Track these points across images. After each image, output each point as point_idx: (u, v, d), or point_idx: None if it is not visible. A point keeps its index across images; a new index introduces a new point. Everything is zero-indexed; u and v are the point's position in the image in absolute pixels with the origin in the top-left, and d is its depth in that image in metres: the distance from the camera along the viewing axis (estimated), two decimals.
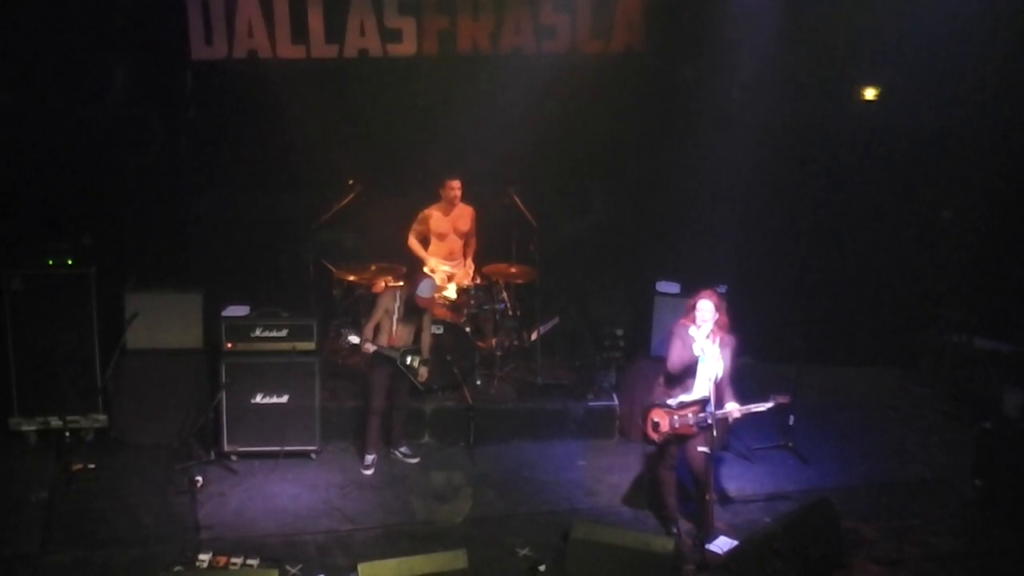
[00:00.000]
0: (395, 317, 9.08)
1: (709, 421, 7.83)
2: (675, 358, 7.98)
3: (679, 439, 8.04)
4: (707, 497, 8.08)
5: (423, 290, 8.97)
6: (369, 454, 9.26)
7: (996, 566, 8.01)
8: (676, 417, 7.95)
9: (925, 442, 10.00)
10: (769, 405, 7.95)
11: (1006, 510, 8.53)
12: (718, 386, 7.93)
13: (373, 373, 9.19)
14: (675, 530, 8.22)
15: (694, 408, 7.93)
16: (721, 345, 7.95)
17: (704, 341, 7.91)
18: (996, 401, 10.06)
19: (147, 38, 10.21)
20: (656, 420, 8.02)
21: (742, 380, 9.74)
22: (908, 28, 10.30)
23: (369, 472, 9.19)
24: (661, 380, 8.17)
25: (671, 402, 8.00)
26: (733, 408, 7.92)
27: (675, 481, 8.32)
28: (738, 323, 8.45)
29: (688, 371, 7.98)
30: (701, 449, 8.03)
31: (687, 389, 7.98)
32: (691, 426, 7.92)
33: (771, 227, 11.08)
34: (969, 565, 7.98)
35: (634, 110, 10.87)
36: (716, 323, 7.94)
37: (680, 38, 10.76)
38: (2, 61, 9.78)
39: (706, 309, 7.91)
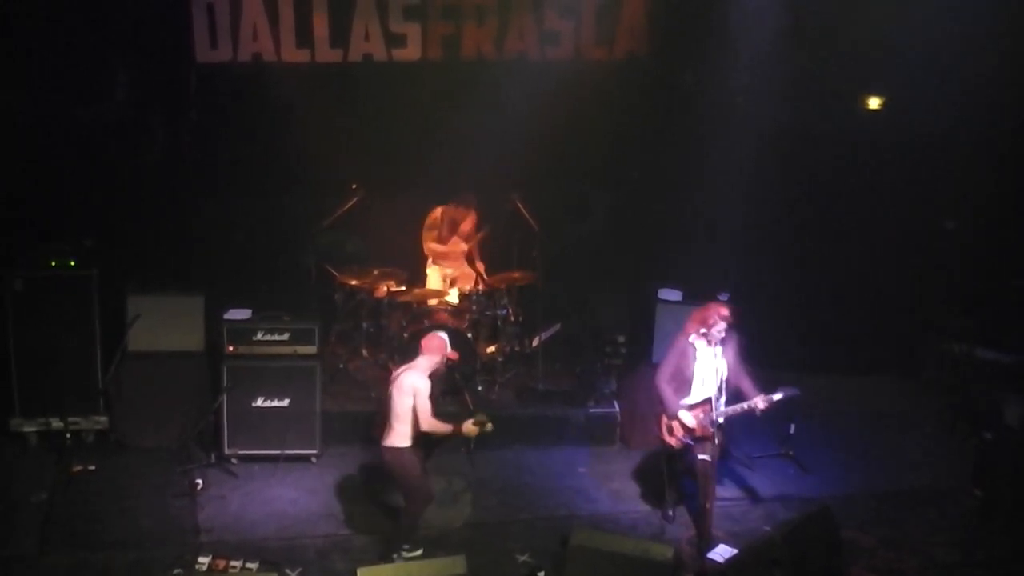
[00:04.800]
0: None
1: (717, 423, 7.88)
2: (665, 370, 8.17)
3: (696, 441, 8.10)
4: (707, 505, 8.12)
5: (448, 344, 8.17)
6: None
7: None
8: (692, 421, 8.03)
9: (925, 451, 9.99)
10: (779, 396, 7.89)
11: (1005, 520, 8.53)
12: (732, 384, 8.00)
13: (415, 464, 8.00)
14: (670, 512, 8.52)
15: (704, 407, 8.02)
16: (724, 345, 8.01)
17: (708, 347, 7.98)
18: (997, 411, 10.06)
19: (152, 41, 10.23)
20: (672, 425, 8.11)
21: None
22: (912, 36, 10.30)
23: None
24: (666, 387, 8.19)
25: (683, 403, 8.11)
26: (759, 399, 7.88)
27: (679, 479, 8.49)
28: (739, 331, 8.50)
29: (686, 379, 8.09)
30: (702, 457, 8.12)
31: (689, 393, 8.09)
32: (705, 426, 7.98)
33: (773, 235, 11.08)
34: (968, 574, 8.00)
35: (637, 116, 10.89)
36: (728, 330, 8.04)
37: (683, 45, 10.78)
38: (7, 63, 9.79)
39: (718, 329, 7.92)
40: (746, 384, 8.04)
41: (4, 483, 8.86)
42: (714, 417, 7.90)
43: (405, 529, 7.95)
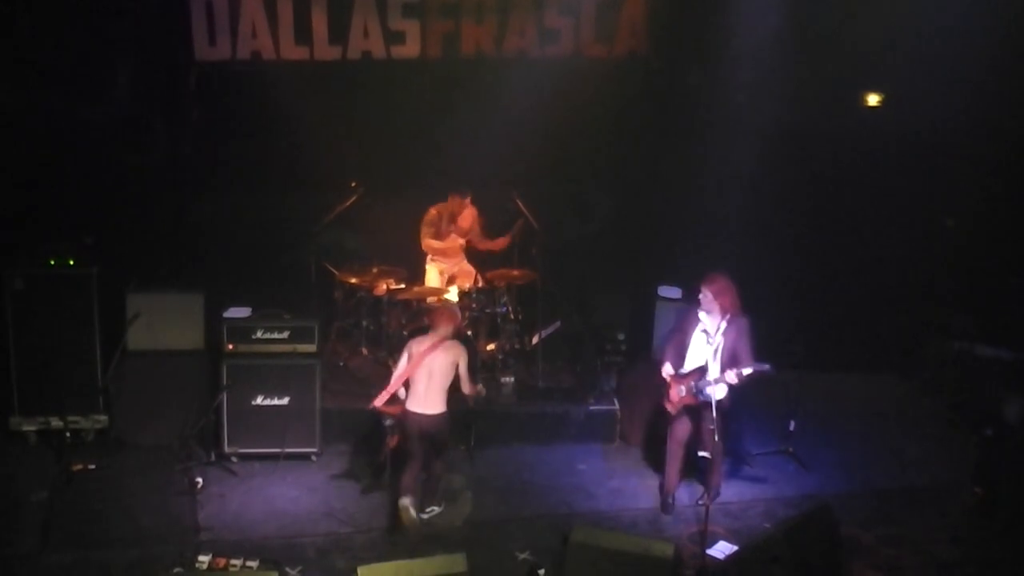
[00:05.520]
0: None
1: (706, 391, 8.21)
2: (671, 338, 8.71)
3: (690, 412, 8.45)
4: (706, 501, 8.22)
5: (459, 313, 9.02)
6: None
7: (995, 574, 8.02)
8: (682, 387, 8.37)
9: (925, 449, 9.99)
10: (749, 371, 8.13)
11: (1006, 518, 8.52)
12: (726, 361, 8.24)
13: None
14: (670, 501, 8.72)
15: (694, 375, 8.35)
16: (728, 323, 8.29)
17: (710, 322, 8.34)
18: (997, 409, 10.06)
19: (151, 39, 10.23)
20: (670, 391, 8.47)
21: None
22: (912, 34, 10.30)
23: None
24: (668, 352, 8.62)
25: (681, 372, 8.46)
26: (731, 372, 8.16)
27: (682, 456, 8.67)
28: (746, 313, 8.63)
29: (681, 348, 8.48)
30: (702, 454, 8.46)
31: (683, 363, 8.47)
32: (693, 396, 8.33)
33: (773, 232, 11.07)
34: (968, 573, 8.00)
35: (637, 114, 10.87)
36: (720, 305, 8.29)
37: (684, 43, 10.76)
38: (6, 62, 9.79)
39: (704, 297, 8.34)
40: (742, 364, 8.20)
41: (4, 482, 8.86)
42: (702, 386, 8.23)
43: (437, 485, 8.62)
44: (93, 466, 9.05)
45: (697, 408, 8.40)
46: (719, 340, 8.28)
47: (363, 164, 10.61)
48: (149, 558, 7.77)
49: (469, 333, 9.98)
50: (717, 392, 8.15)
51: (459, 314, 8.93)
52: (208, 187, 10.84)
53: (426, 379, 8.28)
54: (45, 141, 10.00)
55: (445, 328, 8.48)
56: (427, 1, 10.60)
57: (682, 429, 8.56)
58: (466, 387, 8.46)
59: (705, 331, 8.36)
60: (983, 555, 8.20)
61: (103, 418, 9.54)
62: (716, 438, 8.03)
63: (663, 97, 10.89)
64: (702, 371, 8.30)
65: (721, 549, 8.09)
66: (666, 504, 8.74)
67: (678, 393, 8.38)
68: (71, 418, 9.41)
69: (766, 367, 8.12)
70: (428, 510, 8.53)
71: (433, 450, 8.51)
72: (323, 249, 10.57)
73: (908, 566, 8.01)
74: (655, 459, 9.54)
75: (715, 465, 8.56)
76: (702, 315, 8.41)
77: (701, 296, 8.37)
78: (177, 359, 9.58)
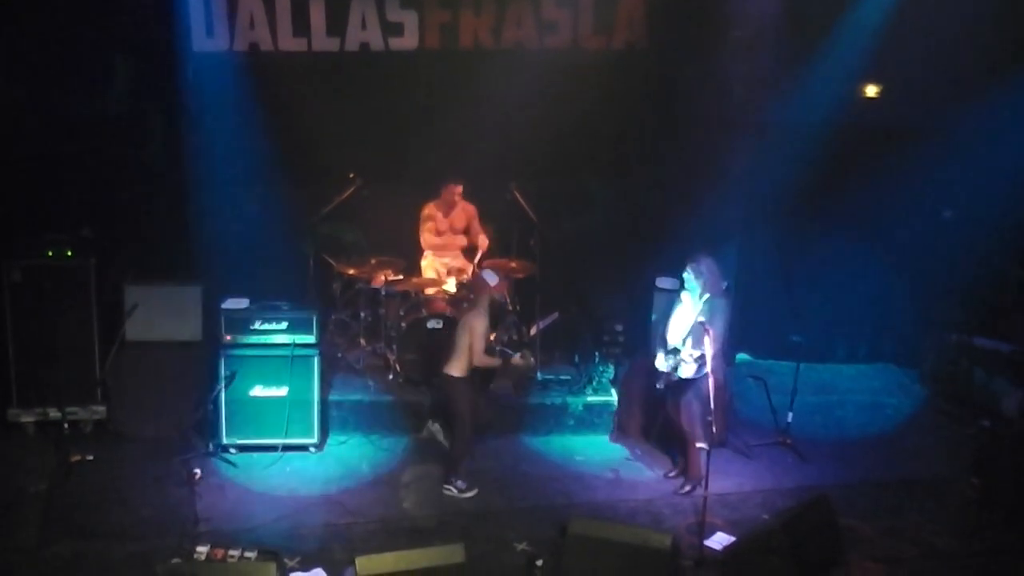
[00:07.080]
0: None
1: (674, 372, 8.63)
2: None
3: (672, 391, 8.79)
4: (700, 490, 8.23)
5: (492, 279, 9.13)
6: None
7: (994, 565, 8.01)
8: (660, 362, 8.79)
9: (923, 441, 10.00)
10: (698, 353, 8.44)
11: (1004, 509, 8.52)
12: (697, 341, 8.45)
13: (464, 394, 8.85)
14: (671, 474, 9.10)
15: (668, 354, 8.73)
16: (705, 303, 8.56)
17: (690, 302, 8.63)
18: (995, 400, 10.08)
19: (148, 30, 10.19)
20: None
21: (740, 379, 9.83)
22: (910, 24, 10.27)
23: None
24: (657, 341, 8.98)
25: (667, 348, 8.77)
26: (685, 352, 8.55)
27: (677, 425, 8.91)
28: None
29: (664, 330, 8.84)
30: (700, 446, 8.53)
31: (665, 340, 8.80)
32: (667, 372, 8.68)
33: (772, 224, 11.06)
34: (967, 564, 8.00)
35: (635, 106, 10.85)
36: (701, 284, 8.59)
37: (682, 35, 10.73)
38: (3, 54, 9.76)
39: (687, 276, 8.68)
40: (704, 347, 8.35)
41: (2, 474, 8.85)
42: (673, 364, 8.58)
43: (454, 458, 8.86)
44: (91, 457, 9.04)
45: (680, 388, 8.68)
46: (694, 319, 8.47)
47: (361, 156, 10.59)
48: (148, 549, 7.76)
49: (506, 299, 9.98)
50: (684, 371, 8.52)
51: (488, 282, 9.05)
52: (206, 179, 10.80)
53: (452, 343, 8.77)
54: (43, 133, 9.99)
55: (481, 297, 8.85)
56: None
57: (668, 407, 8.93)
58: (476, 358, 8.66)
59: (684, 310, 8.63)
60: (981, 546, 8.19)
61: (101, 409, 9.54)
62: (715, 429, 8.05)
63: (662, 88, 10.87)
64: (675, 352, 8.60)
65: (719, 540, 8.08)
66: (667, 474, 9.14)
67: (660, 370, 8.74)
68: (69, 409, 9.40)
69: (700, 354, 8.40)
70: (449, 487, 8.78)
71: (448, 414, 8.97)
72: (321, 240, 10.57)
73: (907, 557, 8.01)
74: (653, 450, 9.56)
75: (698, 453, 8.67)
76: (684, 295, 8.68)
77: (684, 275, 8.64)
78: (175, 350, 9.59)
